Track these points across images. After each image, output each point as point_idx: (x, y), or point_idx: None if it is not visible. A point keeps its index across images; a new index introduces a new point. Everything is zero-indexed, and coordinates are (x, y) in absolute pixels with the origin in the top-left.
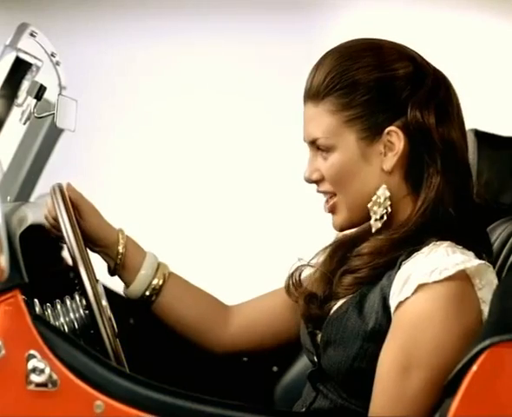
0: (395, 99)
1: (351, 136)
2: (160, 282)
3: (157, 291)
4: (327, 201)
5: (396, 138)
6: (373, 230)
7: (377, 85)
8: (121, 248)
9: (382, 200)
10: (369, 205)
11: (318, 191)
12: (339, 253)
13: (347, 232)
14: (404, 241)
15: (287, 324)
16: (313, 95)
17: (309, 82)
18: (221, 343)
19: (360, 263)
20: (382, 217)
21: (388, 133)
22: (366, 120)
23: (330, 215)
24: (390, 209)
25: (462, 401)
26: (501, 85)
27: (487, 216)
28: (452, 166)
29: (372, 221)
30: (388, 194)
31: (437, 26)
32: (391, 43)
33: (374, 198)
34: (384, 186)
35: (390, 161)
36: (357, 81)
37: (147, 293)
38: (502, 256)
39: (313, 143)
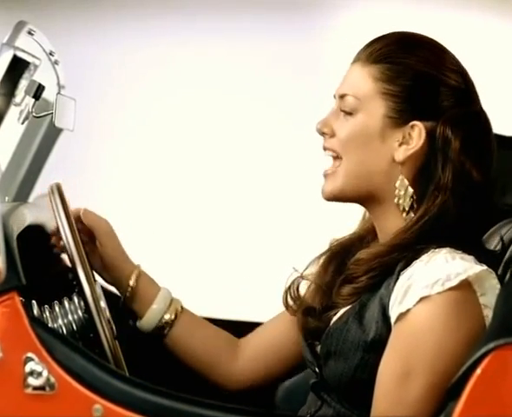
0: (434, 101)
1: (380, 109)
2: (173, 317)
3: (169, 325)
4: (331, 165)
5: (417, 135)
6: (401, 224)
7: (425, 78)
8: (132, 282)
9: (403, 192)
10: (395, 200)
11: (324, 147)
12: (334, 263)
13: (340, 241)
14: (402, 247)
15: (295, 347)
16: (365, 57)
17: (365, 47)
18: (233, 378)
19: (358, 271)
20: (412, 207)
21: (412, 126)
22: (400, 103)
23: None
24: (415, 196)
25: (467, 404)
26: (502, 85)
27: (492, 219)
28: (463, 193)
29: (405, 216)
30: (407, 183)
31: (438, 26)
32: (456, 57)
33: (396, 192)
34: (401, 177)
35: (403, 153)
36: (409, 64)
37: (159, 326)
38: (506, 258)
39: (341, 99)
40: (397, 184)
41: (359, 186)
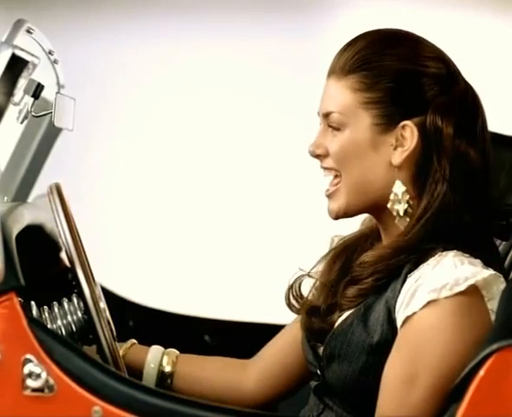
0: (419, 95)
1: (366, 120)
2: (170, 368)
3: (170, 376)
4: (331, 183)
5: (409, 134)
6: (402, 228)
7: (405, 76)
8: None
9: (400, 196)
10: (389, 205)
11: (322, 167)
12: (339, 262)
13: (345, 239)
14: (408, 249)
15: (302, 356)
16: (339, 69)
17: (337, 57)
18: (248, 398)
19: (363, 274)
20: (406, 212)
21: (403, 127)
22: (385, 107)
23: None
24: (411, 202)
25: (470, 406)
26: (502, 84)
27: (495, 221)
28: (462, 180)
29: (397, 221)
30: (404, 188)
31: (439, 25)
32: (430, 42)
33: (392, 197)
34: (398, 182)
35: (400, 156)
36: (385, 66)
37: (161, 379)
38: (508, 259)
39: (326, 117)
40: (395, 189)
41: (362, 198)
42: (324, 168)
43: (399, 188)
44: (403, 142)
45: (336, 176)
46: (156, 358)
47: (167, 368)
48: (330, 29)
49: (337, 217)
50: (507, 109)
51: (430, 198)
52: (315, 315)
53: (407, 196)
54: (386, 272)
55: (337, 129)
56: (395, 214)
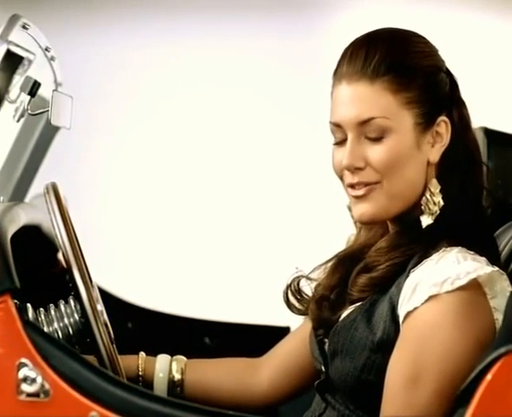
0: (443, 89)
1: (409, 120)
2: (179, 376)
3: (180, 383)
4: (362, 188)
5: (444, 129)
6: (424, 225)
7: (431, 72)
8: (140, 371)
9: (435, 194)
10: (423, 206)
11: (357, 183)
12: (341, 268)
13: (348, 250)
14: (420, 238)
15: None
16: (371, 71)
17: (361, 59)
18: (260, 398)
19: (379, 259)
20: (434, 213)
21: (438, 123)
22: (423, 106)
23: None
24: (442, 202)
25: (477, 411)
26: (503, 83)
27: (497, 219)
28: (475, 170)
29: (424, 218)
30: (439, 187)
31: (441, 25)
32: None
33: (428, 195)
34: (434, 180)
35: (437, 153)
36: (415, 63)
37: (171, 388)
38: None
39: (361, 125)
40: (431, 187)
41: (400, 204)
42: (359, 184)
43: (436, 186)
44: (440, 138)
45: (372, 185)
46: (164, 367)
47: (177, 376)
48: (330, 29)
49: (366, 222)
50: (508, 108)
51: (449, 191)
52: (324, 306)
53: (440, 196)
54: (399, 262)
55: (380, 135)
56: (426, 211)
